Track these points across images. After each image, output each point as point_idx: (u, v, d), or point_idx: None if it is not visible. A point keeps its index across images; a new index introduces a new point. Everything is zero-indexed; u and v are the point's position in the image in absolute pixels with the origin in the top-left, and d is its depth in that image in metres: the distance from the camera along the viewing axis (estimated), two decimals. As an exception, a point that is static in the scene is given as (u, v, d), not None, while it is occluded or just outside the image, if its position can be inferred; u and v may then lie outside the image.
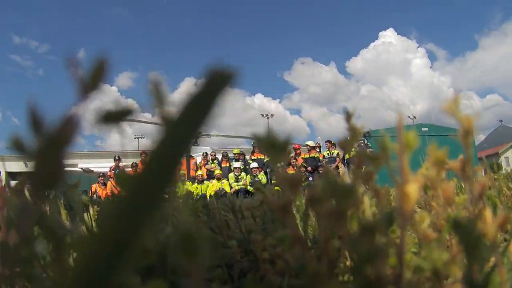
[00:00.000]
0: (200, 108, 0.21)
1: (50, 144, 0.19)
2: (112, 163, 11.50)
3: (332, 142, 10.97)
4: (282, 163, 0.34)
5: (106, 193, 9.89)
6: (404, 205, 0.32)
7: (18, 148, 0.23)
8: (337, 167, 9.93)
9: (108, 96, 0.25)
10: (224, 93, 0.22)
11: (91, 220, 0.95)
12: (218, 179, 10.72)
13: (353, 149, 0.48)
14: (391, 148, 0.41)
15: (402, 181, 0.34)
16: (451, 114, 0.45)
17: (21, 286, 0.48)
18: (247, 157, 11.65)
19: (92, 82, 0.22)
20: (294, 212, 0.77)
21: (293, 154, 10.75)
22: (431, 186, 0.54)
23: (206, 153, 11.95)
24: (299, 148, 11.17)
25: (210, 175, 11.18)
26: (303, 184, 0.41)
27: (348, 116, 0.45)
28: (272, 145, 0.32)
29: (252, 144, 12.17)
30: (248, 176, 10.54)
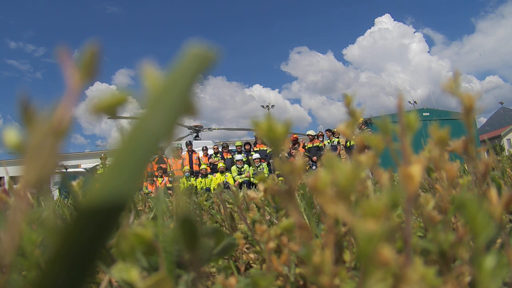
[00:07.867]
0: (175, 91, 0.20)
1: (43, 135, 0.19)
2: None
3: (332, 130, 10.98)
4: (283, 151, 0.34)
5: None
6: (407, 187, 0.31)
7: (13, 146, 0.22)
8: (339, 154, 9.94)
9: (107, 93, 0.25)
10: (201, 75, 0.21)
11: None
12: (222, 172, 10.71)
13: (354, 136, 0.47)
14: (393, 130, 0.40)
15: (405, 163, 0.34)
16: (451, 93, 0.44)
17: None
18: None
19: (84, 72, 0.22)
20: (298, 200, 0.77)
21: (291, 145, 10.72)
22: (435, 168, 0.53)
23: (205, 147, 11.91)
24: (296, 138, 11.15)
25: (213, 169, 11.17)
26: (306, 173, 0.40)
27: (347, 100, 0.44)
28: (271, 130, 0.31)
29: (254, 136, 12.11)
30: (251, 168, 10.49)
